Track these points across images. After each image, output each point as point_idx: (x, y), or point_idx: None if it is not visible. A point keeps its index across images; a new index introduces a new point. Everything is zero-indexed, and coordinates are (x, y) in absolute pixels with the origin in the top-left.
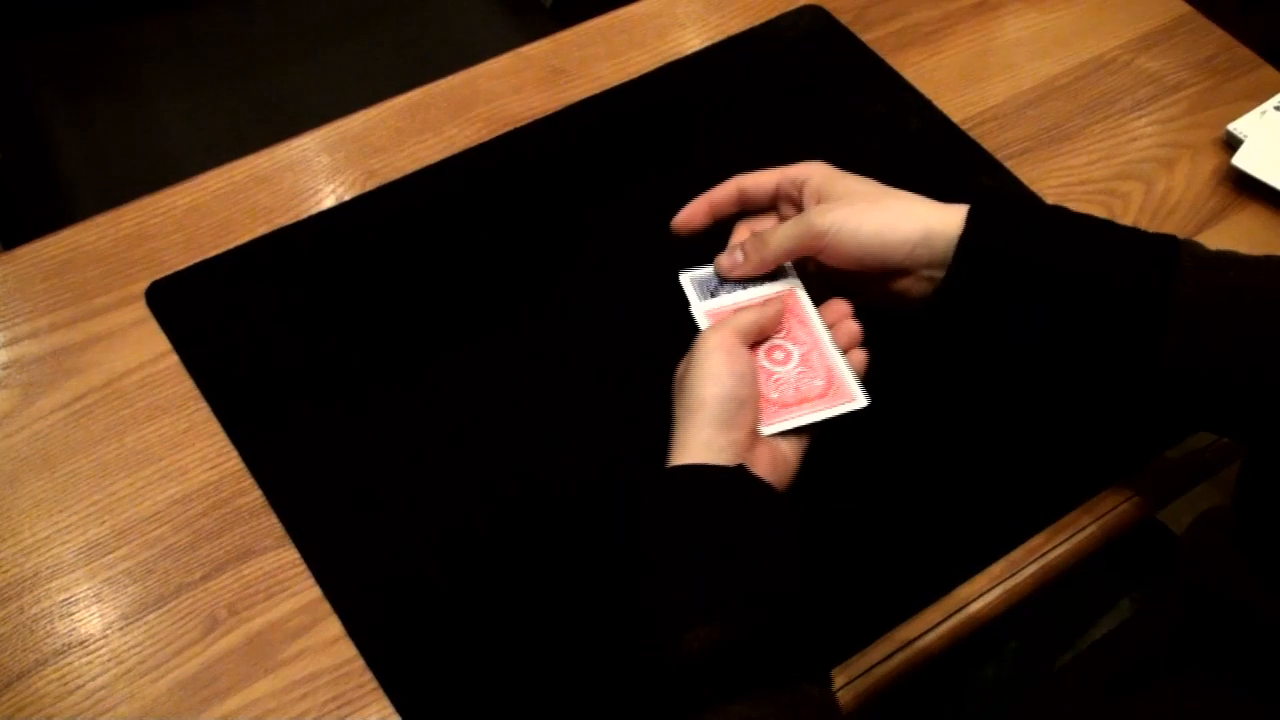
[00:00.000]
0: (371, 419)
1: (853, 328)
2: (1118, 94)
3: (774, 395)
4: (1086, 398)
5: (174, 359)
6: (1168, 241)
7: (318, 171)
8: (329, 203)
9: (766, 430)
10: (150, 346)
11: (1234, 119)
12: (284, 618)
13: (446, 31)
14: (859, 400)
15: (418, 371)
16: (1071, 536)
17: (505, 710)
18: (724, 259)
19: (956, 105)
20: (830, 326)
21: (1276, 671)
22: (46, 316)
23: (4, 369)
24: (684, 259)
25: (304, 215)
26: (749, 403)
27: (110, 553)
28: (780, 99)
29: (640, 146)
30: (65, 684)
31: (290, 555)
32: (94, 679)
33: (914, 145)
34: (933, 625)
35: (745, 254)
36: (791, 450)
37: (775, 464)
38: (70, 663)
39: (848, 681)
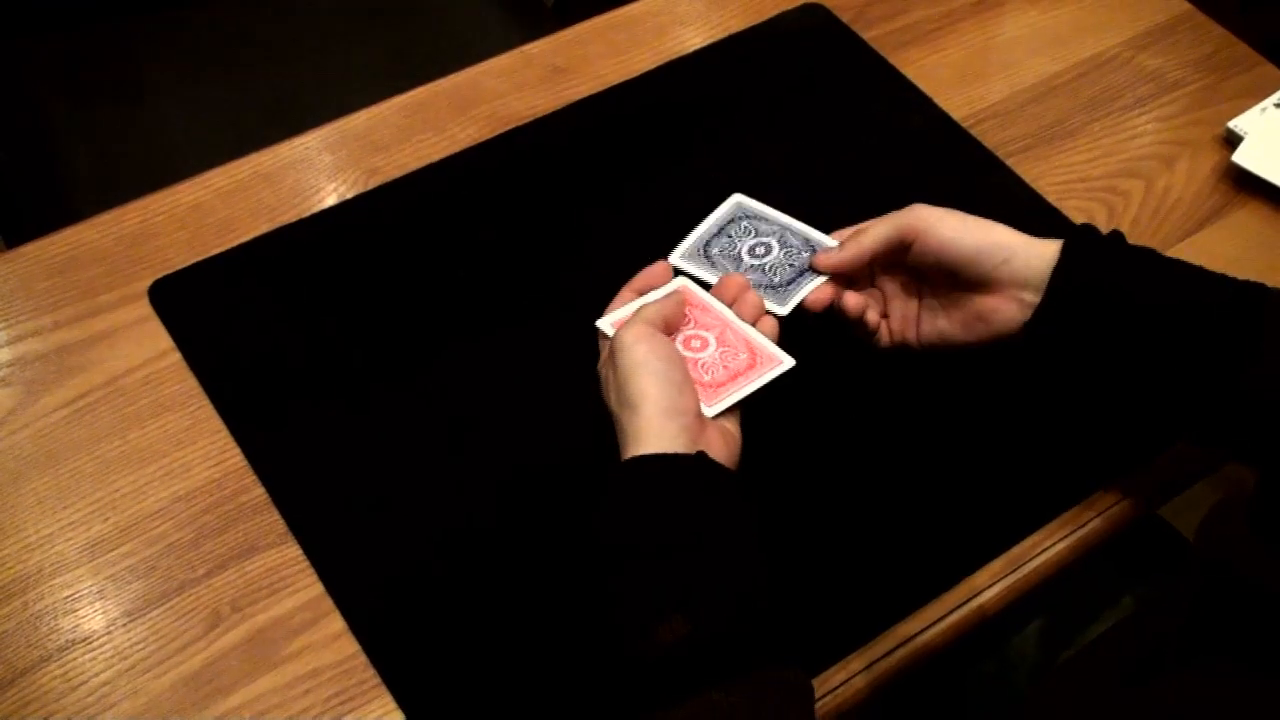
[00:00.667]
0: (374, 416)
1: (753, 299)
2: (1118, 91)
3: (706, 378)
4: (1165, 426)
5: (177, 356)
6: (1254, 284)
7: (320, 170)
8: (331, 201)
9: (711, 411)
10: (153, 344)
11: (1234, 116)
12: (286, 614)
13: (448, 30)
14: (786, 361)
15: (420, 369)
16: (1074, 532)
17: (507, 704)
18: (821, 257)
19: (957, 103)
20: (731, 305)
21: None
22: (50, 315)
23: (8, 367)
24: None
25: (307, 213)
26: (686, 384)
27: (113, 549)
28: (781, 97)
29: (642, 145)
30: (69, 680)
31: (293, 552)
32: (97, 675)
33: (915, 143)
34: (936, 620)
35: (843, 247)
36: (733, 425)
37: (726, 442)
38: (74, 659)
39: (850, 676)
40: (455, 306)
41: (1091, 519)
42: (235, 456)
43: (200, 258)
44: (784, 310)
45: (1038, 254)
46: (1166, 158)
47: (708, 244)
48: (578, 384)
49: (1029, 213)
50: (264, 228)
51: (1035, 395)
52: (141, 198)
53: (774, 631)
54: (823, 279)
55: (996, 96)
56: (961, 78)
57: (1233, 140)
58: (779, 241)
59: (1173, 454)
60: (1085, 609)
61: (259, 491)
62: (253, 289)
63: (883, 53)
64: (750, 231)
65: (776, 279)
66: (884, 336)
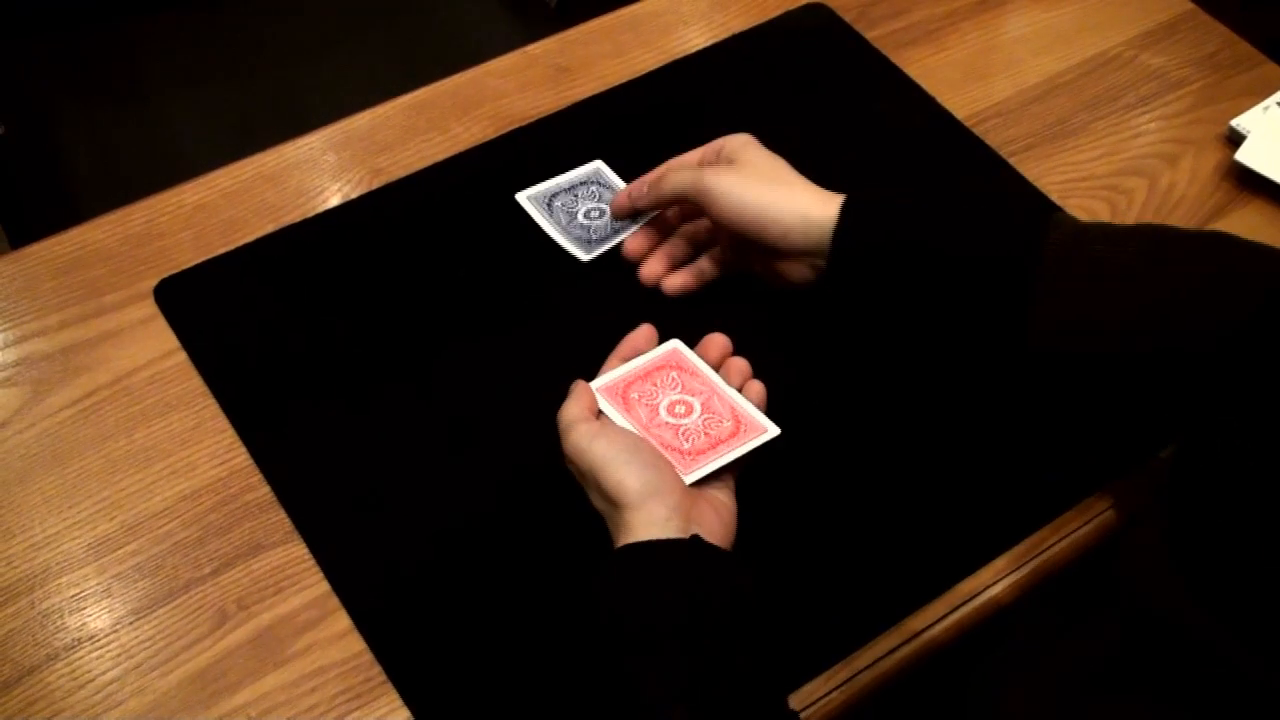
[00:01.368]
0: (379, 415)
1: (741, 364)
2: (1121, 90)
3: (686, 445)
4: (973, 373)
5: (182, 356)
6: (1038, 218)
7: (325, 170)
8: (336, 201)
9: (689, 479)
10: (159, 344)
11: (1237, 115)
12: (293, 612)
13: (452, 30)
14: (770, 430)
15: (425, 368)
16: (1076, 530)
17: (513, 702)
18: (619, 197)
19: (960, 102)
20: (719, 368)
21: (1209, 690)
22: (56, 314)
23: (14, 366)
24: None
25: (311, 213)
26: (661, 462)
27: (120, 548)
28: (784, 97)
29: (645, 144)
30: (76, 678)
31: (299, 550)
32: (104, 673)
33: (918, 142)
34: (937, 619)
35: (644, 189)
36: (725, 494)
37: (719, 513)
38: (80, 657)
39: (851, 675)
40: (459, 306)
41: (1093, 518)
42: (241, 455)
43: (205, 257)
44: (585, 257)
45: (817, 222)
46: (1169, 156)
47: (554, 196)
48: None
49: None
50: (269, 227)
51: (1036, 396)
52: (146, 198)
53: (771, 705)
54: (634, 227)
55: (999, 96)
56: (964, 77)
57: (1235, 139)
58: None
59: (1169, 456)
60: (1083, 608)
61: (264, 490)
62: (258, 288)
63: (885, 52)
64: (595, 196)
65: (594, 236)
66: (692, 281)
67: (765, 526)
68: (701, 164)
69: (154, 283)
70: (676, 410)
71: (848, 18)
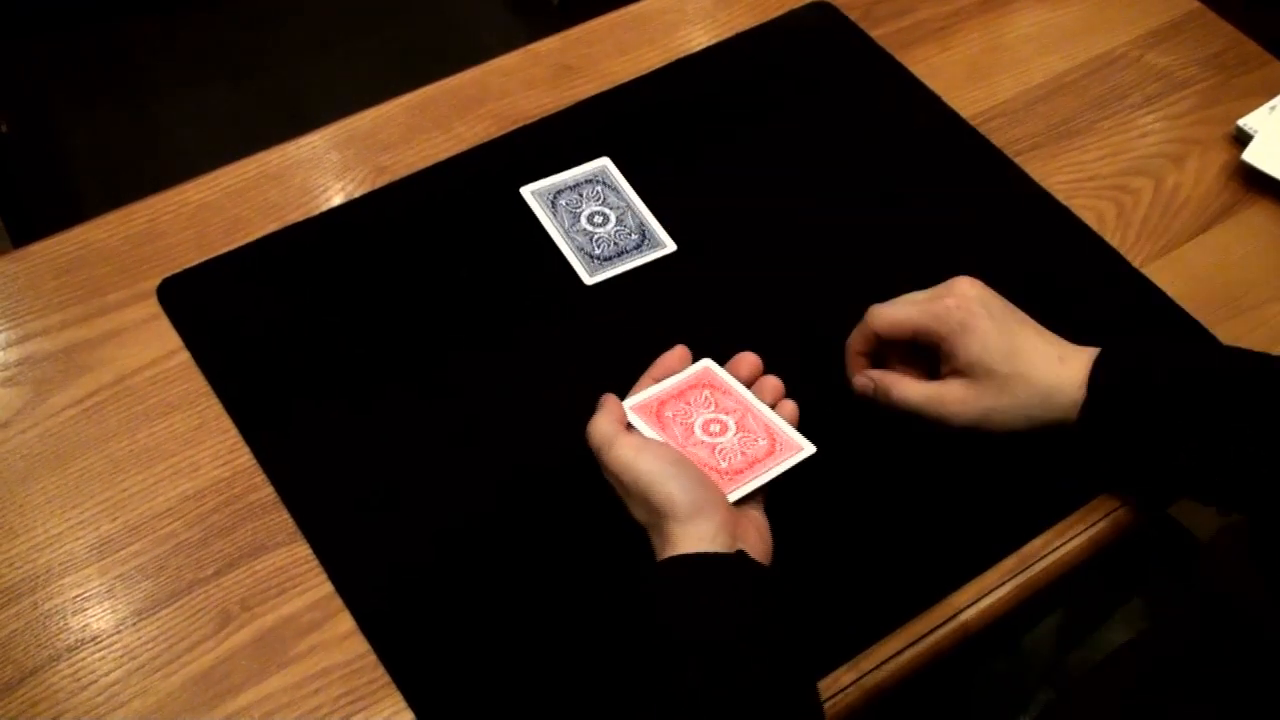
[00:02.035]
0: (383, 415)
1: (774, 383)
2: (1127, 89)
3: (723, 465)
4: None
5: (185, 355)
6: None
7: (328, 168)
8: (339, 200)
9: (730, 498)
10: (161, 343)
11: (1243, 114)
12: (296, 613)
13: (455, 29)
14: (806, 449)
15: (429, 367)
16: (1081, 533)
17: (518, 704)
18: (860, 380)
19: (965, 101)
20: (750, 386)
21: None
22: (58, 314)
23: (16, 366)
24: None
25: (314, 212)
26: (704, 480)
27: (122, 549)
28: (789, 95)
29: (648, 143)
30: (78, 679)
31: (302, 551)
32: (107, 674)
33: (922, 141)
34: (942, 621)
35: (875, 391)
36: (758, 510)
37: (759, 530)
38: (83, 658)
39: (857, 678)
40: (463, 306)
41: (1098, 520)
42: (244, 455)
43: (208, 257)
44: (589, 280)
45: (1067, 391)
46: (1175, 156)
47: (559, 193)
48: (586, 383)
49: (1038, 212)
50: (271, 227)
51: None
52: (149, 197)
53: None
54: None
55: (1005, 95)
56: (969, 76)
57: (1242, 138)
58: (618, 219)
59: None
60: (1096, 608)
61: (268, 490)
62: (260, 288)
63: (890, 51)
64: (599, 198)
65: (597, 251)
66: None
67: (772, 527)
68: (925, 322)
69: (157, 282)
70: (711, 429)
71: (852, 16)
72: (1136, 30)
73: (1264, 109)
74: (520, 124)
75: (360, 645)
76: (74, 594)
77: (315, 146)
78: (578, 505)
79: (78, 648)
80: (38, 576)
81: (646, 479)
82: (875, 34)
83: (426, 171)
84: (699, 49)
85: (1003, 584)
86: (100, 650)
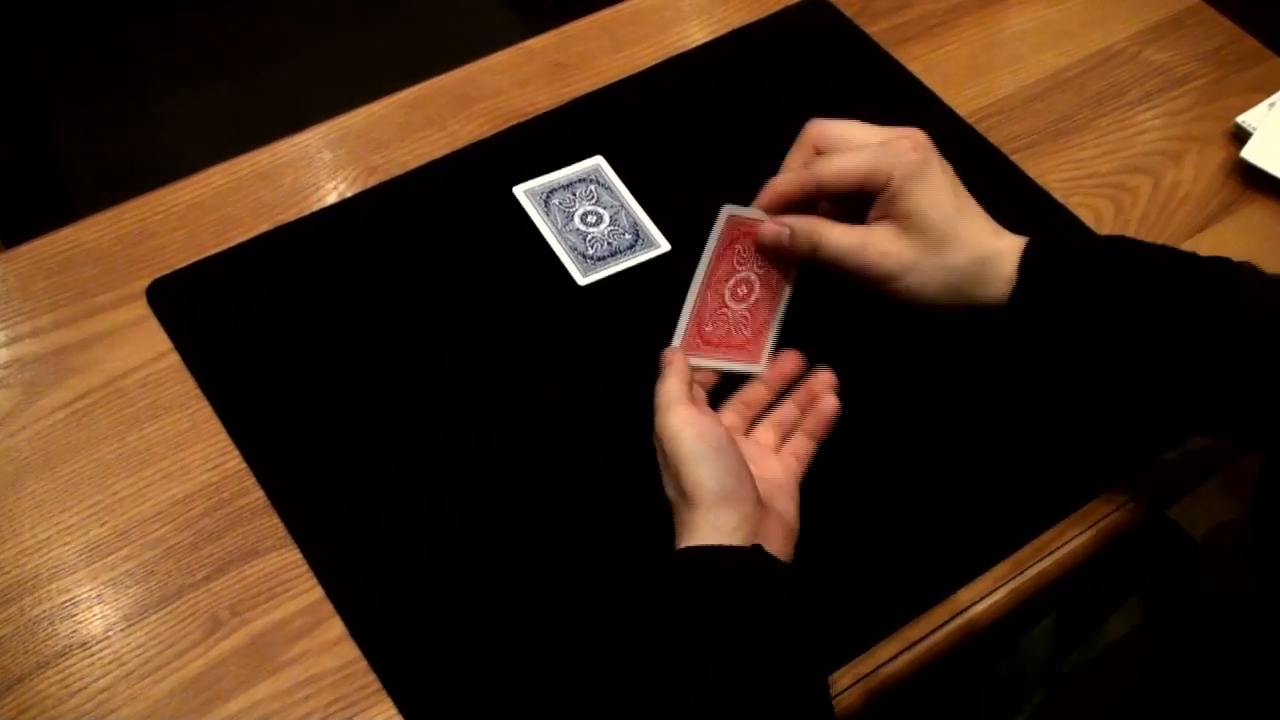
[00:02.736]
0: (375, 418)
1: (826, 378)
2: (1125, 86)
3: (708, 328)
4: (1161, 404)
5: (175, 358)
6: (1220, 260)
7: (320, 167)
8: (331, 199)
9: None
10: (151, 345)
11: (1242, 111)
12: (286, 619)
13: (449, 26)
14: (760, 365)
15: (422, 370)
16: (1079, 535)
17: (509, 709)
18: (771, 227)
19: (963, 99)
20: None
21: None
22: (47, 315)
23: (5, 368)
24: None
25: (306, 211)
26: (743, 470)
27: (112, 553)
28: (785, 93)
29: (643, 140)
30: (67, 686)
31: (292, 556)
32: (96, 681)
33: None
34: (941, 623)
35: (794, 239)
36: (792, 513)
37: (785, 530)
38: (72, 665)
39: (856, 680)
40: (456, 307)
41: (1096, 521)
42: (234, 459)
43: (199, 257)
44: (582, 280)
45: (1001, 261)
46: (1174, 153)
47: (552, 192)
48: (581, 385)
49: (1035, 210)
50: (263, 226)
51: (1039, 399)
52: (139, 196)
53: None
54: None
55: (1002, 92)
56: (966, 73)
57: (1241, 135)
58: (611, 218)
59: (1179, 454)
60: (1094, 610)
61: (258, 494)
62: (251, 288)
63: (887, 47)
64: (592, 197)
65: (590, 251)
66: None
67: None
68: (877, 165)
69: (147, 283)
70: (739, 291)
71: (849, 12)
72: (1135, 26)
73: (1263, 105)
74: (513, 122)
75: (351, 651)
76: (62, 599)
77: (308, 145)
78: (571, 508)
79: (66, 654)
80: (26, 582)
81: (685, 456)
82: (871, 30)
83: (419, 170)
84: (694, 46)
85: (1000, 586)
86: (89, 656)
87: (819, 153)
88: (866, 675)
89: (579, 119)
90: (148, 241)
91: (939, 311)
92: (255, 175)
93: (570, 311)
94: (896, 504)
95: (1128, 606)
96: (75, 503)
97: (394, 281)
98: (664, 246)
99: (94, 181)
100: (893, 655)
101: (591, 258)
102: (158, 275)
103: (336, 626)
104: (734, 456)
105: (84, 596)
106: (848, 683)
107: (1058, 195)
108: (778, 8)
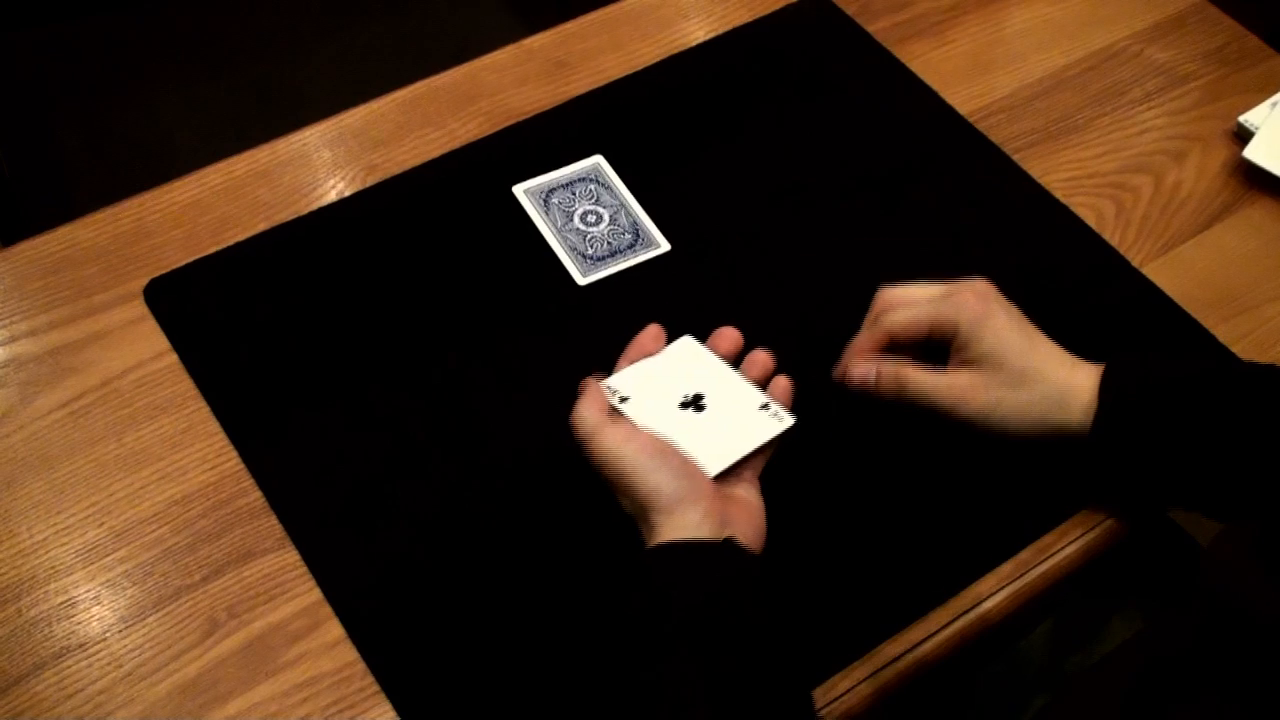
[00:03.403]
0: (373, 419)
1: (763, 358)
2: (1127, 85)
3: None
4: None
5: (173, 358)
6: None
7: (318, 166)
8: (330, 198)
9: (711, 472)
10: (149, 345)
11: (1245, 110)
12: (284, 620)
13: (448, 24)
14: (785, 420)
15: (419, 369)
16: (1080, 537)
17: (507, 713)
18: (860, 370)
19: (963, 97)
20: (737, 363)
21: None
22: (44, 315)
23: (1, 368)
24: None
25: (305, 210)
26: (688, 466)
27: (109, 554)
28: (785, 91)
29: (644, 139)
30: (64, 688)
31: (291, 557)
32: (93, 683)
33: (920, 138)
34: (941, 626)
35: (880, 380)
36: (752, 494)
37: (749, 514)
38: (69, 666)
39: (855, 684)
40: (455, 307)
41: (1097, 524)
42: (232, 460)
43: (196, 256)
44: (582, 280)
45: (1079, 397)
46: (1176, 153)
47: (551, 191)
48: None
49: (1036, 210)
50: (261, 226)
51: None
52: (137, 195)
53: (800, 704)
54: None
55: (1003, 91)
56: (967, 71)
57: (1243, 135)
58: (611, 218)
59: None
60: (1094, 614)
61: (256, 495)
62: (249, 288)
63: (888, 46)
64: (592, 197)
65: (590, 251)
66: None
67: (770, 529)
68: (943, 315)
69: (144, 282)
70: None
71: (849, 11)
72: (1136, 25)
73: (1266, 105)
74: (513, 121)
75: (349, 653)
76: (59, 601)
77: (306, 144)
78: (571, 511)
79: (63, 655)
80: (22, 583)
81: (631, 469)
82: (872, 29)
83: (418, 170)
84: (695, 44)
85: (1004, 586)
86: (86, 658)
87: None
88: (869, 676)
89: (579, 118)
90: (145, 241)
91: (1027, 440)
92: (253, 174)
93: (569, 313)
94: (899, 505)
95: (1130, 610)
96: (72, 503)
97: (392, 281)
98: (664, 246)
99: (90, 181)
100: (896, 656)
101: (591, 257)
102: (155, 275)
103: (335, 628)
104: (677, 457)
105: (81, 598)
106: (850, 684)
107: (1059, 195)
108: (778, 6)
